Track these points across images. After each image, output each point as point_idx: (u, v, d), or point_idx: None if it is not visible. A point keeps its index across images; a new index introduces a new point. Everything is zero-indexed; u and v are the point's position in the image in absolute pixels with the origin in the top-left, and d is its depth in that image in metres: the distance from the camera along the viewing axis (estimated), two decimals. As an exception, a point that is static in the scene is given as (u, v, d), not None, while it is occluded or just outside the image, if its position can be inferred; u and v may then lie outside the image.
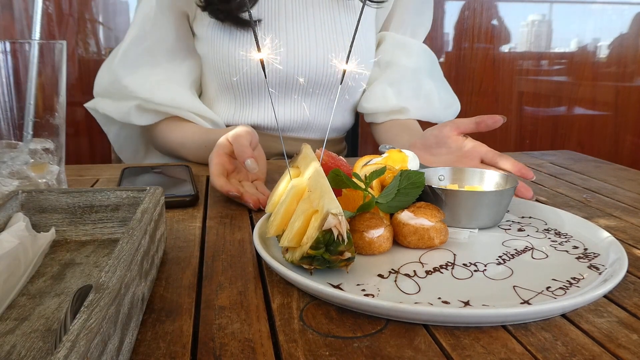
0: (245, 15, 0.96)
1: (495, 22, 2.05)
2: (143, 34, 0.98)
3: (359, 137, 1.34)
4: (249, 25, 0.97)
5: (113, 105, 1.01)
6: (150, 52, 0.99)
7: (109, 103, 1.02)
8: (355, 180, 0.57)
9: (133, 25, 1.00)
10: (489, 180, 0.66)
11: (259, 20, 0.99)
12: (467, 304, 0.44)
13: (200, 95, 1.11)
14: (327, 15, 1.03)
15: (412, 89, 1.09)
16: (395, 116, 1.09)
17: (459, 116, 1.12)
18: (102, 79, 1.02)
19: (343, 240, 0.45)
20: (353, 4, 1.05)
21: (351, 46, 0.55)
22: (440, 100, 1.12)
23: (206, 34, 1.00)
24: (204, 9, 0.97)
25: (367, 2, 1.05)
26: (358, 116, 1.25)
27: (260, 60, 0.53)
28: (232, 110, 1.05)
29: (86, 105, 1.04)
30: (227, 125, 1.03)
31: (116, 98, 1.00)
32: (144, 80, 0.97)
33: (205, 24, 1.00)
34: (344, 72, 0.56)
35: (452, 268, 0.51)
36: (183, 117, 1.00)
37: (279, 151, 1.07)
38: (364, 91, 1.13)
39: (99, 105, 1.03)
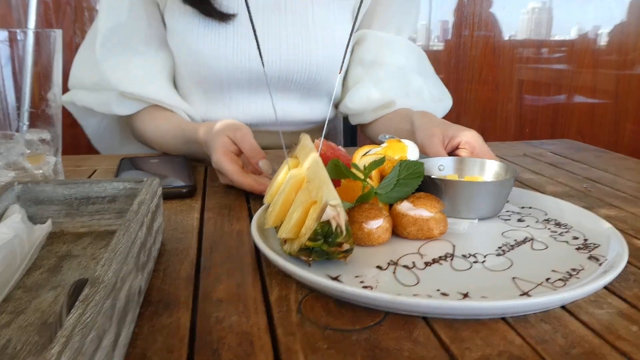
0: (217, 5, 0.94)
1: (495, 9, 2.03)
2: (119, 24, 0.94)
3: (357, 127, 1.33)
4: (220, 18, 0.94)
5: (92, 96, 0.98)
6: (129, 42, 0.96)
7: (87, 94, 0.99)
8: (354, 170, 0.57)
9: (106, 13, 0.95)
10: (489, 171, 0.66)
11: (234, 15, 0.95)
12: (466, 295, 0.43)
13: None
14: (299, 7, 0.99)
15: (400, 86, 1.05)
16: (382, 112, 1.04)
17: (452, 111, 1.10)
18: (78, 70, 0.99)
19: (341, 231, 0.44)
20: None
21: (345, 54, 0.54)
22: (432, 97, 1.08)
23: (175, 27, 0.97)
24: None
25: None
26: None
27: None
28: (203, 106, 1.02)
29: (62, 98, 1.01)
30: (203, 121, 1.01)
31: (95, 89, 0.97)
32: (125, 72, 0.94)
33: (174, 14, 0.97)
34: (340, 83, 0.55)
35: (452, 259, 0.50)
36: (164, 107, 0.98)
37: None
38: (344, 85, 1.09)
39: (76, 97, 0.99)
